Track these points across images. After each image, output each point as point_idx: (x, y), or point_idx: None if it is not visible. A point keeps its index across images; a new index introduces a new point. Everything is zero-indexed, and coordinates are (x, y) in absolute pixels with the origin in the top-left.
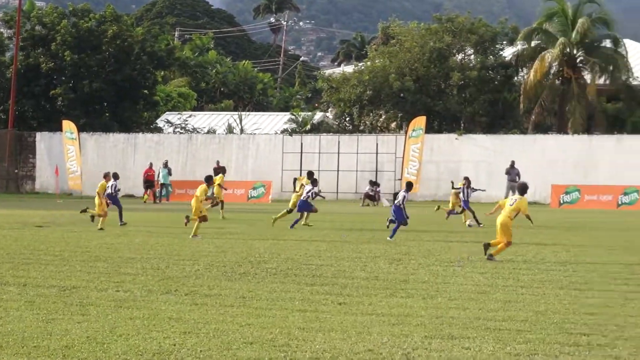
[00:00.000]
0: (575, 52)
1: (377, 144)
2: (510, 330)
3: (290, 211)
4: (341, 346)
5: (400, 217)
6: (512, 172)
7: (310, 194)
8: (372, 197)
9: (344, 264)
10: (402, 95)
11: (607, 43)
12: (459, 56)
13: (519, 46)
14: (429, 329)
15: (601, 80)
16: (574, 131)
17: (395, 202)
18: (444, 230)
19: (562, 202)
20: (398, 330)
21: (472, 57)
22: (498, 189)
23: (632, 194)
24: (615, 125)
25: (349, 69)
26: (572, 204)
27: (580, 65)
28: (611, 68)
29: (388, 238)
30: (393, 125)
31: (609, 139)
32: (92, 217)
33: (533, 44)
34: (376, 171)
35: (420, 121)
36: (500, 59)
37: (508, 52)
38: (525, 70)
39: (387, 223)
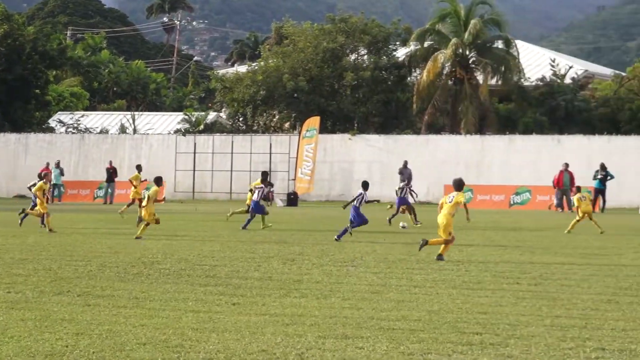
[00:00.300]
0: (467, 52)
1: (270, 144)
2: (403, 330)
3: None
4: (235, 347)
5: (361, 218)
6: (405, 172)
7: (262, 194)
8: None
9: (238, 264)
10: (295, 95)
11: (499, 44)
12: (352, 56)
13: (412, 47)
14: (322, 328)
15: (493, 81)
16: (466, 131)
17: (355, 202)
18: (338, 230)
19: None
20: (292, 330)
21: (366, 57)
22: (391, 189)
23: (524, 194)
24: (507, 125)
25: (242, 69)
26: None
27: (473, 66)
28: (503, 69)
29: (335, 238)
30: (287, 125)
31: (501, 139)
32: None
33: (426, 44)
34: (270, 171)
35: (313, 121)
36: (393, 60)
37: (401, 53)
38: (418, 70)
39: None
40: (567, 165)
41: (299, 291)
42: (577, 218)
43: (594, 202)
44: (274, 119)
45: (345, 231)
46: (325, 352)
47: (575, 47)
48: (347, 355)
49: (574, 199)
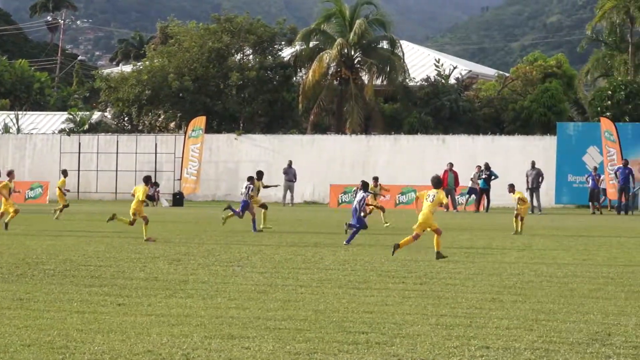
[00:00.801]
0: (352, 53)
1: (156, 144)
2: (289, 330)
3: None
4: (120, 347)
5: (360, 221)
6: (289, 171)
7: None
8: (152, 197)
9: (123, 264)
10: (181, 95)
11: (384, 44)
12: (238, 56)
13: (298, 47)
14: (208, 329)
15: (378, 81)
16: (351, 131)
17: (355, 204)
18: (226, 230)
19: (340, 201)
20: (178, 330)
21: (251, 57)
22: (276, 189)
23: (409, 194)
24: (393, 125)
25: (127, 68)
26: (351, 204)
27: (358, 66)
28: (388, 69)
29: (344, 243)
30: (172, 125)
31: (386, 139)
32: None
33: (311, 44)
34: (155, 171)
35: (199, 121)
36: (278, 60)
37: (287, 53)
38: (303, 70)
39: (345, 227)
40: (451, 165)
41: (185, 291)
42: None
43: (478, 202)
44: (160, 119)
45: (352, 235)
46: (211, 353)
47: (460, 47)
48: (234, 355)
49: (515, 197)
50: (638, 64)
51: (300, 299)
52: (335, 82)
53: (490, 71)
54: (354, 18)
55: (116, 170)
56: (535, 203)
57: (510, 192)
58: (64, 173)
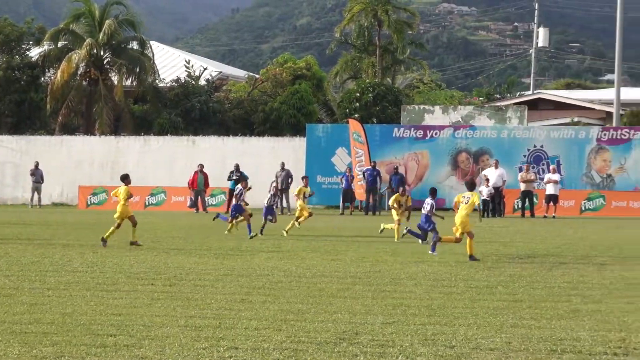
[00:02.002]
0: (102, 53)
1: None
2: (36, 333)
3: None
4: None
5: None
6: (36, 173)
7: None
8: None
9: None
10: None
11: (134, 45)
12: None
13: (46, 46)
14: None
15: (128, 82)
16: (101, 132)
17: (425, 212)
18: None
19: (89, 203)
20: None
21: None
22: (24, 191)
23: (159, 195)
24: (143, 126)
25: None
26: (100, 206)
27: (108, 66)
28: (138, 70)
29: (431, 252)
30: None
31: (136, 140)
32: None
33: (60, 44)
34: None
35: None
36: (26, 59)
37: (35, 53)
38: (52, 70)
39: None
40: (202, 166)
41: None
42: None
43: (229, 204)
44: None
45: (434, 243)
46: None
47: (210, 49)
48: None
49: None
50: (385, 66)
51: (47, 302)
52: (84, 83)
53: (241, 72)
54: (104, 18)
55: None
56: (285, 204)
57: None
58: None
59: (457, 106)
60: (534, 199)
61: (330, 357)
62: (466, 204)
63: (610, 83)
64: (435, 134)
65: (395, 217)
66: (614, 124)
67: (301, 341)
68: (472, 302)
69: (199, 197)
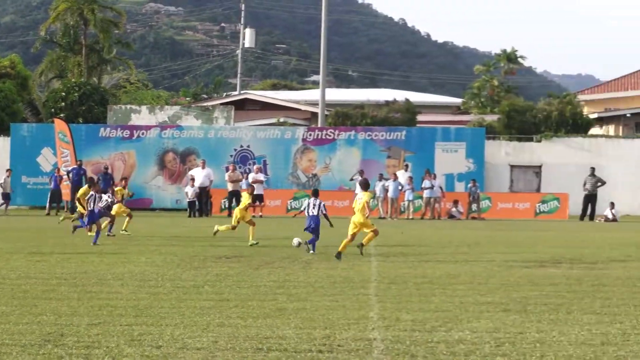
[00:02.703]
0: None
1: None
2: None
3: (234, 227)
4: None
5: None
6: None
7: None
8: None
9: None
10: None
11: None
12: None
13: None
14: None
15: None
16: None
17: (313, 213)
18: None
19: None
20: None
21: None
22: None
23: None
24: None
25: None
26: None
27: None
28: None
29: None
30: None
31: None
32: None
33: None
34: None
35: None
36: None
37: None
38: None
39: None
40: None
41: None
42: None
43: None
44: None
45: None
46: None
47: None
48: None
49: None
50: (92, 65)
51: None
52: None
53: None
54: None
55: None
56: None
57: None
58: None
59: (164, 106)
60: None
61: (35, 359)
62: (359, 203)
63: (315, 84)
64: (142, 133)
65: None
66: (319, 125)
67: (5, 344)
68: (178, 302)
69: None
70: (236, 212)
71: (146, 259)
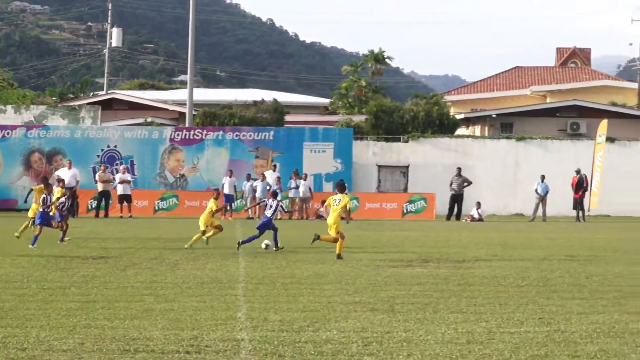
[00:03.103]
0: None
1: None
2: None
3: (204, 232)
4: None
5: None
6: None
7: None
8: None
9: None
10: None
11: None
12: None
13: None
14: None
15: None
16: None
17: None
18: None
19: None
20: None
21: None
22: None
23: None
24: None
25: None
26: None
27: None
28: None
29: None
30: None
31: None
32: None
33: None
34: None
35: None
36: None
37: None
38: None
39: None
40: None
41: None
42: None
43: None
44: None
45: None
46: None
47: None
48: None
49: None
50: None
51: None
52: None
53: None
54: None
55: None
56: None
57: None
58: None
59: (30, 106)
60: (110, 200)
61: None
62: (337, 205)
63: (183, 84)
64: (7, 133)
65: None
66: (187, 124)
67: None
68: (44, 304)
69: None
70: (202, 218)
71: (11, 260)
